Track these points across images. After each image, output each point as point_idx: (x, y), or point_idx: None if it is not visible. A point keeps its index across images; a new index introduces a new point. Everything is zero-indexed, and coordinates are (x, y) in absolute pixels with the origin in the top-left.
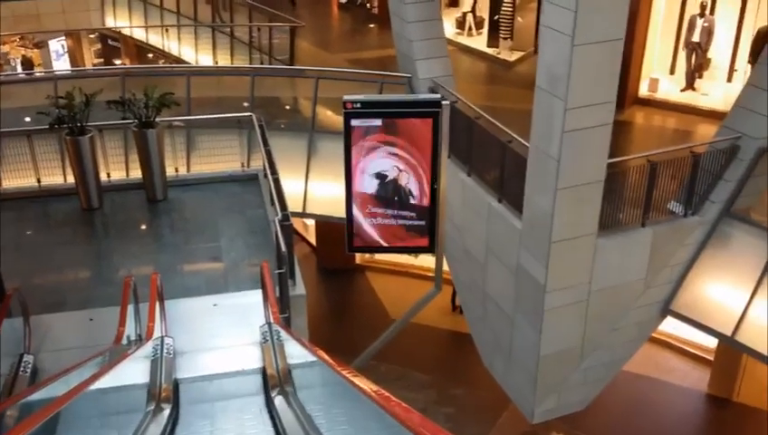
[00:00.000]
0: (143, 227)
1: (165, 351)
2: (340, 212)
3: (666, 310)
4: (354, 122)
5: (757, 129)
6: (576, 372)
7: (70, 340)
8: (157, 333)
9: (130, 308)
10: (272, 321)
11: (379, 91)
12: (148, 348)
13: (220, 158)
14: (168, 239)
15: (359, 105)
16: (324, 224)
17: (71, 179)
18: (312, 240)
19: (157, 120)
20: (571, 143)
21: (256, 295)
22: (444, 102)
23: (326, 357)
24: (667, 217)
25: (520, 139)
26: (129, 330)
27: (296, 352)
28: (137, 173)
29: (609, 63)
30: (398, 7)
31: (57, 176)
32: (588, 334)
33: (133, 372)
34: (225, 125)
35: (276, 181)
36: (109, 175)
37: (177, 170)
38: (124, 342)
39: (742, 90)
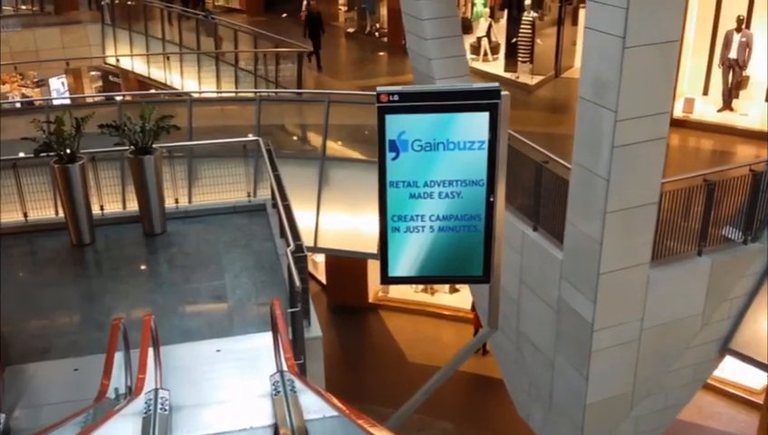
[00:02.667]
0: (139, 263)
1: (159, 406)
2: (356, 246)
3: (725, 349)
4: (390, 120)
5: None
6: (626, 421)
7: (51, 394)
8: (150, 386)
9: (120, 356)
10: (284, 368)
11: None
12: (139, 403)
13: (224, 187)
14: (166, 277)
15: (396, 98)
16: (335, 259)
17: (62, 213)
18: (322, 278)
19: (154, 145)
20: (621, 160)
21: (266, 339)
22: (504, 93)
23: (350, 412)
24: (723, 244)
25: (558, 159)
26: (118, 382)
27: (313, 406)
28: (134, 206)
29: (663, 68)
30: (414, 25)
31: (48, 209)
32: (639, 378)
33: (121, 432)
34: (229, 153)
35: (287, 208)
36: (102, 208)
37: (176, 201)
38: (111, 396)
39: None
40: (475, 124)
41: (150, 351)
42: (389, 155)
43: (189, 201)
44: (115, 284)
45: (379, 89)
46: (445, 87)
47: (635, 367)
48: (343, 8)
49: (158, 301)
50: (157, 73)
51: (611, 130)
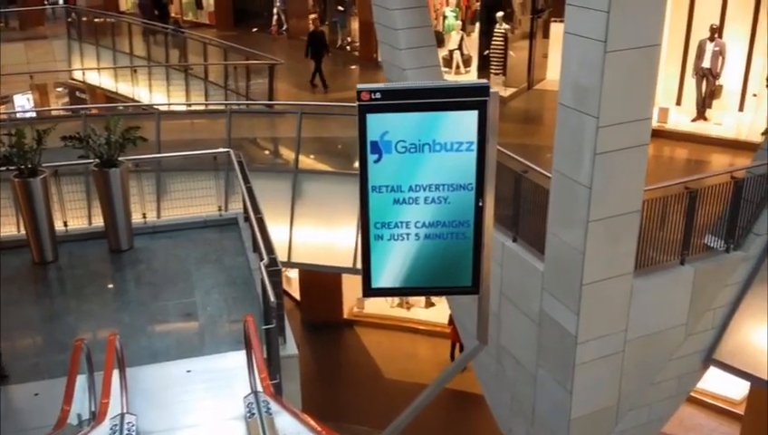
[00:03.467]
0: (104, 281)
1: (125, 432)
2: (330, 260)
3: (709, 360)
4: (372, 120)
5: None
6: None
7: (10, 422)
8: (115, 410)
9: (83, 379)
10: (259, 389)
11: None
12: (104, 429)
13: (194, 201)
14: (134, 295)
15: (378, 96)
16: (309, 275)
17: (24, 230)
18: (295, 294)
19: (121, 158)
20: (603, 167)
21: (239, 358)
22: (492, 91)
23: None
24: (705, 253)
25: (538, 168)
26: (81, 407)
27: (290, 428)
28: (99, 221)
29: (645, 73)
30: (388, 35)
31: (9, 226)
32: (624, 392)
33: None
34: (199, 166)
35: (260, 221)
36: (66, 223)
37: (144, 216)
38: (73, 422)
39: None
40: (462, 124)
41: (116, 373)
42: (371, 157)
43: (158, 216)
44: (79, 303)
45: (359, 86)
46: (430, 83)
47: (619, 380)
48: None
49: (124, 320)
50: (124, 88)
51: (593, 136)
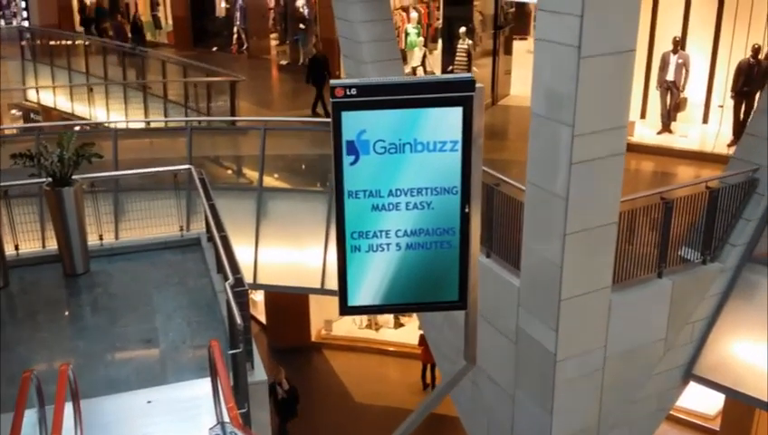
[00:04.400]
0: (58, 307)
1: None
2: (298, 280)
3: (689, 375)
4: (347, 118)
5: None
6: None
7: None
8: None
9: (32, 414)
10: (226, 419)
11: None
12: None
13: (154, 221)
14: (90, 321)
15: (354, 91)
16: (275, 297)
17: None
18: (261, 317)
19: (75, 177)
20: (580, 178)
21: (204, 386)
22: (478, 85)
23: None
24: (682, 265)
25: (511, 181)
26: None
27: None
28: (53, 244)
29: (620, 80)
30: (352, 48)
31: None
32: (604, 410)
33: None
34: (158, 186)
35: (224, 240)
36: (17, 247)
37: (101, 238)
38: None
39: (752, 116)
40: (446, 121)
41: (69, 406)
42: (347, 159)
43: (116, 237)
44: (31, 331)
45: (333, 82)
46: (411, 78)
47: (600, 398)
48: (275, 42)
49: (80, 348)
50: (81, 109)
51: (569, 145)
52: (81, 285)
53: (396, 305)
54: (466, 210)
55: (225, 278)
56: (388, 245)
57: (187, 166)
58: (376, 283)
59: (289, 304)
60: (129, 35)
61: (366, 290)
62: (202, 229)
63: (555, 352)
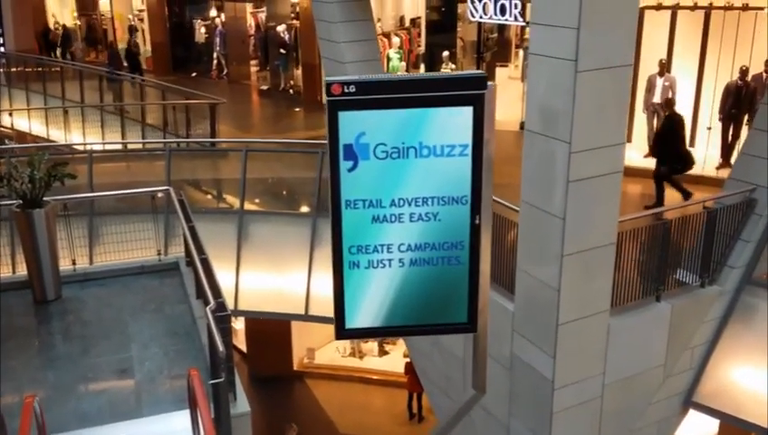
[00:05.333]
0: (27, 336)
1: None
2: (280, 307)
3: (688, 402)
4: (345, 119)
5: None
6: None
7: None
8: None
9: None
10: None
11: (320, 164)
12: None
13: (131, 245)
14: (61, 350)
15: (352, 89)
16: (256, 325)
17: None
18: (242, 346)
19: (46, 198)
20: (577, 196)
21: (182, 419)
22: (490, 83)
23: None
24: (680, 289)
25: (502, 201)
26: None
27: None
28: (23, 269)
29: (617, 95)
30: (336, 69)
31: None
32: None
33: None
34: (135, 210)
35: (205, 263)
36: None
37: (74, 263)
38: None
39: (747, 135)
40: (455, 122)
41: None
42: (344, 165)
43: (90, 262)
44: None
45: (327, 79)
46: (416, 75)
47: (598, 428)
48: (255, 68)
49: (49, 379)
50: (56, 134)
51: (565, 163)
52: (52, 312)
53: (398, 328)
54: (477, 222)
55: (206, 303)
56: (389, 260)
57: (165, 187)
58: (376, 303)
59: (270, 332)
60: (125, 63)
61: (365, 311)
62: (181, 253)
63: (553, 379)
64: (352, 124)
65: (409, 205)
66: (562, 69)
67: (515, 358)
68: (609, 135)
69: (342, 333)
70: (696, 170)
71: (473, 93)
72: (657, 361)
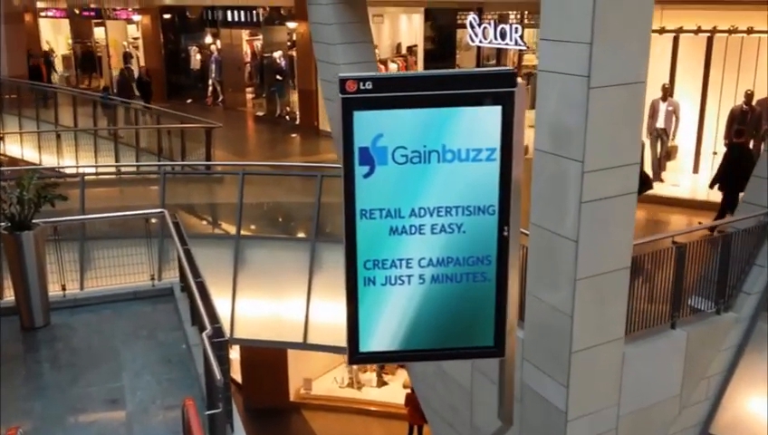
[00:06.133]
0: (14, 364)
1: None
2: (278, 335)
3: (705, 434)
4: (361, 119)
5: None
6: None
7: None
8: None
9: None
10: None
11: (319, 187)
12: None
13: (123, 270)
14: (49, 379)
15: (369, 86)
16: (252, 354)
17: None
18: (237, 377)
19: (36, 220)
20: (590, 218)
21: None
22: (520, 80)
23: None
24: (694, 315)
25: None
26: None
27: None
28: (10, 294)
29: (631, 113)
30: (335, 91)
31: None
32: None
33: None
34: (129, 234)
35: (201, 286)
36: None
37: (63, 288)
38: None
39: (759, 158)
40: (482, 123)
41: None
42: (360, 170)
43: (81, 287)
44: None
45: (341, 75)
46: (440, 71)
47: None
48: (250, 95)
49: (36, 410)
50: (49, 160)
51: (578, 183)
52: (40, 340)
53: (417, 352)
54: (505, 233)
55: (202, 329)
56: (408, 277)
57: (159, 210)
58: (393, 324)
59: (266, 362)
60: (137, 93)
61: (382, 333)
62: (175, 278)
63: (566, 410)
64: (369, 125)
65: (431, 215)
66: (574, 85)
67: (525, 388)
68: (623, 154)
69: (356, 357)
70: (700, 196)
71: (502, 91)
72: (674, 391)
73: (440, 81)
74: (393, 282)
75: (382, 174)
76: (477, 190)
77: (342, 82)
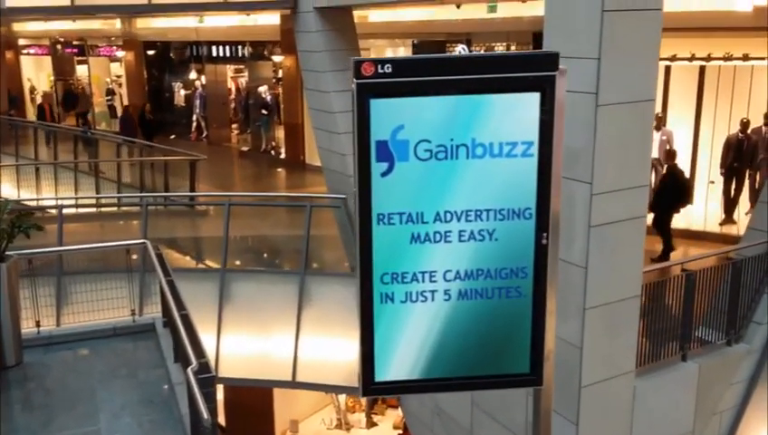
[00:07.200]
0: None
1: None
2: (265, 373)
3: None
4: (378, 108)
5: None
6: None
7: None
8: None
9: None
10: None
11: (308, 218)
12: None
13: (102, 305)
14: (19, 422)
15: (388, 69)
16: (235, 394)
17: None
18: (220, 418)
19: (9, 252)
20: (599, 243)
21: None
22: (562, 67)
23: None
24: (704, 347)
25: None
26: None
27: None
28: None
29: (640, 132)
30: (324, 120)
31: None
32: None
33: None
34: (108, 268)
35: (185, 319)
36: None
37: (38, 324)
38: None
39: (766, 184)
40: (518, 113)
41: None
42: (377, 168)
43: (57, 324)
44: None
45: (357, 58)
46: (469, 54)
47: None
48: (235, 130)
49: None
50: (27, 195)
51: (586, 206)
52: (11, 380)
53: (441, 381)
54: (544, 241)
55: (186, 364)
56: (432, 292)
57: (141, 240)
58: (414, 348)
59: (251, 403)
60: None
61: (400, 359)
62: (157, 314)
63: None
64: (388, 115)
65: (458, 220)
66: (581, 103)
67: (531, 428)
68: (632, 176)
69: (371, 387)
70: (698, 226)
71: (542, 75)
72: (686, 427)
73: (470, 64)
74: (414, 299)
75: (402, 172)
76: (512, 191)
77: (357, 64)
